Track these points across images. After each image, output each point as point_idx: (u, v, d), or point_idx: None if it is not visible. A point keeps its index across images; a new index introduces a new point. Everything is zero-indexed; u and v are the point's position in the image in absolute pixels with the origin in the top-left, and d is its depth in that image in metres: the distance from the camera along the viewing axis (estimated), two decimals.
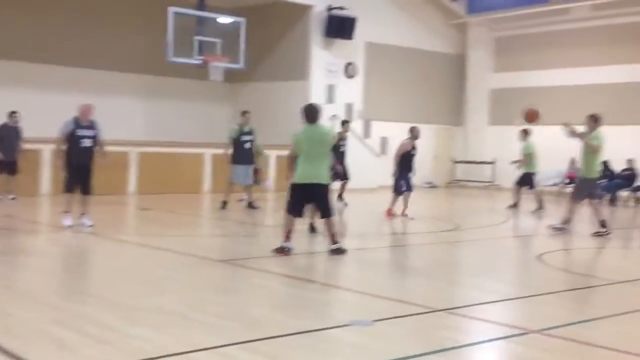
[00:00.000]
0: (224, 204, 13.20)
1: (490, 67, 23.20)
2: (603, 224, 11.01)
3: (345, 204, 14.67)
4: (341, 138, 14.70)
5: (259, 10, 19.67)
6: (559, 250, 9.94)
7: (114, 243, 9.32)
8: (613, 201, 17.62)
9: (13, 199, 13.84)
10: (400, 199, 12.80)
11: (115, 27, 18.61)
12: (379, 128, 21.30)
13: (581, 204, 11.35)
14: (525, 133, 15.39)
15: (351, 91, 20.51)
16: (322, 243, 10.17)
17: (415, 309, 5.80)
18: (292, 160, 8.39)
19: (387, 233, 11.78)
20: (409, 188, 12.79)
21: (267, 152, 15.96)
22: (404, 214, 12.69)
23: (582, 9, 20.60)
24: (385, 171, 20.59)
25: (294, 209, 8.29)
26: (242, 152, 13.38)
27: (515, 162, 15.69)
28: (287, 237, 8.25)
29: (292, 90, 19.90)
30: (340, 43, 19.96)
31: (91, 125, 10.15)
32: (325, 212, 8.35)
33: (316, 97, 19.68)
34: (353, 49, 20.35)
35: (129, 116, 18.92)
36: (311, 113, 8.31)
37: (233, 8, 19.35)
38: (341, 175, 14.28)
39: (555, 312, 6.03)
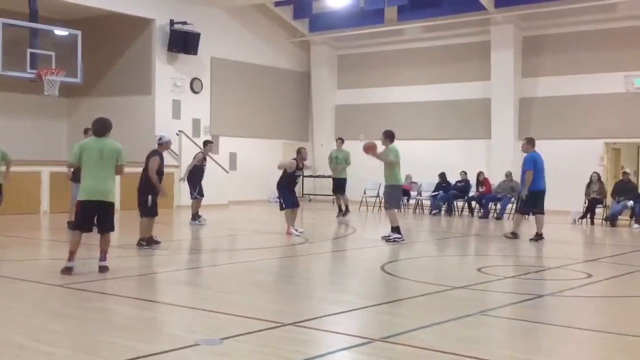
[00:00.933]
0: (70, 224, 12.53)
1: (333, 84, 23.91)
2: (398, 230, 11.89)
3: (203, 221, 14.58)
4: (204, 158, 14.64)
5: (97, 22, 18.99)
6: (399, 260, 10.39)
7: None
8: (449, 211, 18.72)
9: None
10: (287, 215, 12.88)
11: None
12: (228, 144, 21.23)
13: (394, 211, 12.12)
14: (342, 142, 17.52)
15: (198, 107, 20.32)
16: (160, 263, 9.94)
17: (264, 324, 5.79)
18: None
19: (239, 249, 11.75)
20: (296, 204, 12.96)
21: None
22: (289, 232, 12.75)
23: (415, 30, 21.80)
24: (235, 187, 20.69)
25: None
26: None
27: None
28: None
29: (136, 106, 19.37)
30: (185, 58, 19.72)
31: None
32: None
33: (162, 112, 19.34)
34: (198, 64, 20.19)
35: None
36: (99, 126, 8.22)
37: (69, 20, 18.55)
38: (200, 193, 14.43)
39: (398, 319, 6.27)
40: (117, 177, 8.39)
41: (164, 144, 11.05)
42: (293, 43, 23.49)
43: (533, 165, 12.41)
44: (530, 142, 12.67)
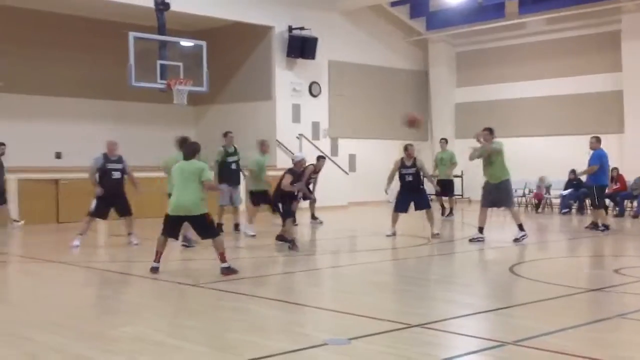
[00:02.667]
0: (219, 227, 13.07)
1: (452, 82, 23.52)
2: (521, 227, 11.48)
3: (320, 222, 14.78)
4: (315, 171, 14.95)
5: (220, 32, 19.69)
6: (530, 261, 10.04)
7: (86, 271, 9.16)
8: (581, 210, 17.88)
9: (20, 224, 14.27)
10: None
11: (75, 54, 18.49)
12: (347, 146, 21.40)
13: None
14: (446, 142, 17.36)
15: (316, 110, 20.61)
16: (292, 263, 10.15)
17: (391, 325, 5.79)
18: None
19: (359, 250, 11.81)
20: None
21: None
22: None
23: (538, 22, 21.03)
24: (354, 188, 20.83)
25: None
26: (228, 173, 13.22)
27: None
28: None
29: (257, 111, 19.94)
30: (303, 63, 20.06)
31: (119, 160, 11.45)
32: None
33: (282, 116, 19.78)
34: (316, 68, 20.47)
35: (96, 142, 18.66)
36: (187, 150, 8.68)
37: (194, 31, 19.34)
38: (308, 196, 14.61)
39: (528, 323, 6.07)
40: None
41: (296, 163, 11.29)
42: (410, 42, 23.32)
43: None
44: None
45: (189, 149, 8.68)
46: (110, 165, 11.35)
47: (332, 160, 20.51)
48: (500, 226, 14.83)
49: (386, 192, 12.73)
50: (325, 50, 20.26)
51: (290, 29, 19.68)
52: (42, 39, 18.01)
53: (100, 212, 11.42)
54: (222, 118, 20.54)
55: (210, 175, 8.81)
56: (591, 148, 13.41)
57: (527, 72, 21.48)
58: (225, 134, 13.73)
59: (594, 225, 13.41)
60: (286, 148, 19.62)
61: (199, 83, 16.10)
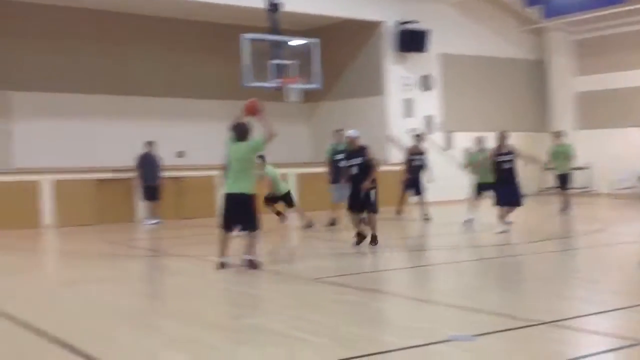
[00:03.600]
0: (332, 222, 13.29)
1: (572, 70, 22.54)
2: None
3: (427, 218, 14.61)
4: (413, 152, 14.57)
5: (331, 29, 19.83)
6: None
7: (207, 265, 9.52)
8: None
9: (156, 223, 14.91)
10: None
11: (193, 56, 19.21)
12: (462, 139, 20.99)
13: None
14: (559, 135, 16.18)
15: (429, 104, 20.36)
16: (411, 258, 10.10)
17: (517, 323, 5.63)
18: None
19: (479, 245, 11.56)
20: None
21: None
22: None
23: None
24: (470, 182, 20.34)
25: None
26: (336, 171, 13.28)
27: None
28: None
29: (368, 106, 19.95)
30: (414, 56, 19.87)
31: None
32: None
33: (394, 111, 19.68)
34: (428, 61, 20.22)
35: (212, 141, 19.35)
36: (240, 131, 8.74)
37: (305, 30, 19.60)
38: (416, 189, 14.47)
39: None
40: None
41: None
42: (524, 31, 22.55)
43: None
44: None
45: (240, 130, 8.85)
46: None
47: (447, 154, 20.20)
48: (628, 220, 14.09)
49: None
50: (436, 42, 19.95)
51: (401, 23, 19.54)
52: (163, 43, 18.84)
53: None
54: (334, 114, 20.70)
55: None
56: None
57: None
58: (336, 132, 13.78)
59: None
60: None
61: (311, 80, 16.33)
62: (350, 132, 10.40)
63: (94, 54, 17.85)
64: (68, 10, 17.34)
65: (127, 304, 7.09)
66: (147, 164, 15.29)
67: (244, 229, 8.75)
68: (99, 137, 17.62)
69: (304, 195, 16.78)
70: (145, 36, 18.61)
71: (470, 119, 21.26)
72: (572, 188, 16.33)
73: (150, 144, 15.49)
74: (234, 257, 8.78)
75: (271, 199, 13.29)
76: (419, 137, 15.53)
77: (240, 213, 8.52)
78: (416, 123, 19.95)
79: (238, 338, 5.38)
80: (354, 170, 10.11)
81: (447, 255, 10.56)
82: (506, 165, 11.82)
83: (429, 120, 20.35)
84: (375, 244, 10.21)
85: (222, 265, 8.54)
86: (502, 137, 12.04)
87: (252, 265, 8.49)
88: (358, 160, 10.11)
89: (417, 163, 14.85)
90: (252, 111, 9.48)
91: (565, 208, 15.77)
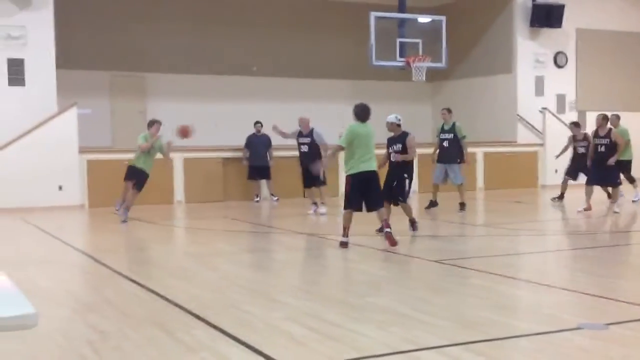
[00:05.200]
0: (431, 204, 13.10)
1: None
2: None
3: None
4: (575, 139, 14.12)
5: (459, 6, 19.36)
6: None
7: (330, 243, 9.66)
8: None
9: (277, 200, 15.57)
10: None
11: (319, 36, 19.39)
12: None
13: None
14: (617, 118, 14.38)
15: (562, 82, 19.46)
16: (537, 243, 9.74)
17: None
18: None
19: (608, 231, 10.98)
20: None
21: (472, 149, 15.58)
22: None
23: None
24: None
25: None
26: (441, 151, 13.15)
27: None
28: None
29: (496, 85, 19.35)
30: (547, 32, 19.01)
31: (308, 134, 12.76)
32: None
33: (523, 89, 18.98)
34: (562, 37, 19.28)
35: (338, 121, 19.51)
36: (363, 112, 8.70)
37: (433, 7, 19.24)
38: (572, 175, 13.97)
39: None
40: None
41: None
42: None
43: None
44: None
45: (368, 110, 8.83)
46: (300, 139, 12.78)
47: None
48: None
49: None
50: (572, 17, 18.98)
51: None
52: (288, 24, 19.13)
53: (307, 181, 12.82)
54: (459, 93, 20.27)
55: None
56: None
57: None
58: (445, 111, 13.43)
59: None
60: (528, 123, 18.82)
61: (437, 59, 16.04)
62: (390, 118, 9.98)
63: (222, 36, 18.45)
64: None
65: (251, 278, 7.33)
66: (255, 145, 15.63)
67: (376, 206, 8.76)
68: (225, 116, 18.25)
69: (425, 176, 16.59)
70: (272, 16, 18.98)
71: (607, 98, 20.09)
72: None
73: (256, 124, 15.81)
74: (353, 237, 8.83)
75: None
76: (575, 124, 14.76)
77: (372, 190, 8.63)
78: (547, 102, 19.16)
79: (360, 316, 5.42)
80: (393, 157, 9.80)
81: (579, 240, 10.10)
82: (601, 148, 12.15)
83: (561, 99, 19.45)
84: (414, 229, 9.91)
85: (345, 245, 8.62)
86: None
87: (392, 240, 8.51)
88: (398, 147, 9.78)
89: (582, 150, 14.17)
90: (185, 134, 11.71)
91: None
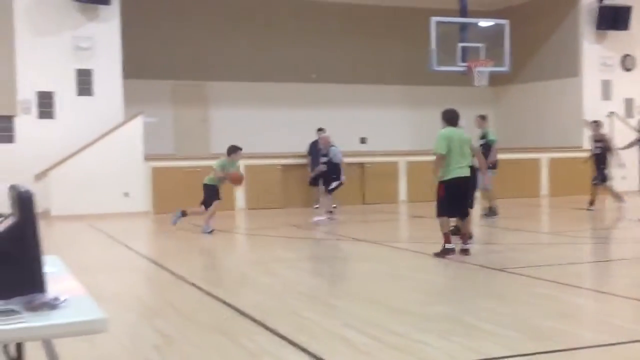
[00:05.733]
0: (491, 211, 12.84)
1: None
2: None
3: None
4: (595, 139, 13.72)
5: (523, 9, 19.03)
6: None
7: (391, 250, 9.60)
8: None
9: (334, 207, 15.04)
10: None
11: (376, 42, 19.36)
12: None
13: None
14: None
15: (630, 85, 18.87)
16: (598, 251, 9.45)
17: None
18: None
19: None
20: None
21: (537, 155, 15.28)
22: None
23: None
24: None
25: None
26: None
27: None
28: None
29: (561, 89, 18.92)
30: (614, 35, 18.49)
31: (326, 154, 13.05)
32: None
33: (590, 93, 18.50)
34: (630, 39, 18.72)
35: (396, 127, 19.46)
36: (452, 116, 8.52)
37: (495, 10, 18.96)
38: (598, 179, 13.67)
39: None
40: None
41: None
42: None
43: None
44: None
45: (456, 115, 8.63)
46: (321, 159, 13.26)
47: None
48: None
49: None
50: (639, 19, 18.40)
51: None
52: (348, 29, 19.18)
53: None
54: (523, 98, 19.91)
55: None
56: None
57: None
58: (481, 118, 13.12)
59: None
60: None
61: (500, 63, 15.79)
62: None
63: (281, 43, 18.62)
64: (254, 1, 18.20)
65: (312, 285, 7.36)
66: (317, 151, 15.55)
67: (465, 214, 8.62)
68: (285, 123, 18.43)
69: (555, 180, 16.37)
70: (331, 23, 19.05)
71: None
72: None
73: (320, 131, 15.75)
74: (411, 244, 8.75)
75: None
76: (596, 123, 14.41)
77: (467, 197, 8.63)
78: (615, 106, 18.61)
79: (423, 326, 5.35)
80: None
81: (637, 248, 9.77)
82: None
83: (628, 103, 18.87)
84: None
85: (451, 252, 8.41)
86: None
87: (467, 253, 8.37)
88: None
89: (597, 151, 13.81)
90: (237, 181, 11.82)
91: None
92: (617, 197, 14.02)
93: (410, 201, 16.46)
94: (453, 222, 8.90)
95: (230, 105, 18.35)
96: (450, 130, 8.45)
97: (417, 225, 12.38)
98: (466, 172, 8.40)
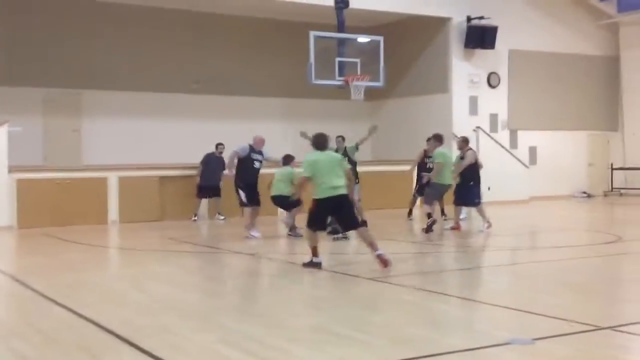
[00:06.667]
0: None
1: None
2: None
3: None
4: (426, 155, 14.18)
5: (397, 26, 19.70)
6: None
7: (269, 262, 9.60)
8: None
9: (223, 219, 15.43)
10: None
11: (258, 54, 19.41)
12: (527, 138, 20.56)
13: None
14: None
15: (495, 101, 19.98)
16: (470, 259, 9.92)
17: (578, 327, 5.45)
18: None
19: (541, 247, 11.28)
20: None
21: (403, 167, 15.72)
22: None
23: None
24: (536, 182, 19.95)
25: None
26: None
27: None
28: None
29: (433, 104, 19.73)
30: (481, 53, 19.53)
31: (260, 152, 12.42)
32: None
33: (459, 109, 19.40)
34: (495, 58, 19.84)
35: (276, 139, 19.50)
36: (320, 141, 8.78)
37: (371, 27, 19.51)
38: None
39: None
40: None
41: None
42: (599, 27, 21.82)
43: None
44: None
45: (324, 140, 8.86)
46: (254, 156, 12.22)
47: (511, 153, 19.79)
48: None
49: None
50: (505, 39, 19.55)
51: (469, 19, 19.22)
52: (229, 41, 19.10)
53: (253, 200, 12.20)
54: (397, 112, 20.59)
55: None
56: None
57: None
58: (434, 138, 13.41)
59: None
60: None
61: (375, 78, 16.21)
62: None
63: (159, 52, 18.27)
64: (135, 9, 17.82)
65: (186, 300, 7.20)
66: (212, 164, 15.57)
67: (352, 228, 8.85)
68: (164, 135, 18.07)
69: (365, 194, 16.71)
70: (213, 34, 18.91)
71: (537, 118, 20.80)
72: None
73: (218, 146, 15.78)
74: (292, 257, 8.80)
75: None
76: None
77: (344, 214, 8.71)
78: (481, 121, 19.64)
79: (296, 337, 5.38)
80: None
81: (511, 256, 10.33)
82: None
83: (493, 118, 19.98)
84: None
85: (316, 265, 8.57)
86: (461, 142, 12.98)
87: (385, 261, 8.38)
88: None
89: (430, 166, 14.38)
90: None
91: None
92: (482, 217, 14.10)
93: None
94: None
95: (106, 115, 17.72)
96: (316, 154, 8.74)
97: (295, 237, 12.45)
98: (339, 192, 8.53)
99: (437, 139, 12.96)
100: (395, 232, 12.66)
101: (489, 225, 12.19)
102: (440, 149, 12.63)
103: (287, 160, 12.35)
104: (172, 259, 10.25)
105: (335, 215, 8.93)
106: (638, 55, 21.64)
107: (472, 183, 12.50)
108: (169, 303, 6.89)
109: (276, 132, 19.79)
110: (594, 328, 5.42)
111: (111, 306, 6.77)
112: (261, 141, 12.56)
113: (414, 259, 9.99)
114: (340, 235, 10.94)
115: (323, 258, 8.62)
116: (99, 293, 7.59)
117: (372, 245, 8.44)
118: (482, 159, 15.28)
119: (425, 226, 11.94)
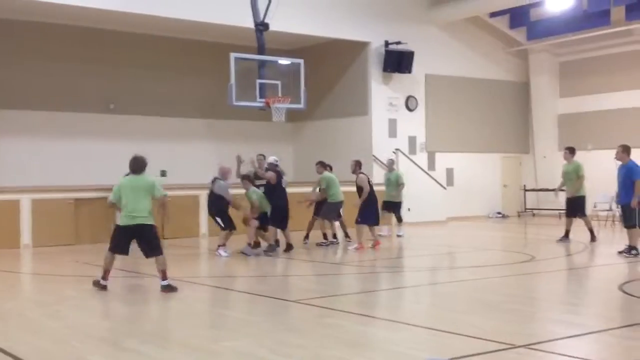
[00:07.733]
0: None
1: (555, 92, 22.82)
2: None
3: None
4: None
5: (317, 49, 19.95)
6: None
7: (189, 286, 9.44)
8: None
9: None
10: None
11: (178, 75, 19.23)
12: (445, 160, 21.14)
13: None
14: (571, 153, 14.16)
15: (413, 124, 20.47)
16: (389, 280, 10.07)
17: (494, 346, 5.62)
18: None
19: (457, 267, 11.57)
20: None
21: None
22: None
23: None
24: (453, 203, 20.51)
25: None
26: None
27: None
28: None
29: (353, 126, 20.03)
30: (399, 77, 20.01)
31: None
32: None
33: (378, 131, 19.77)
34: (413, 82, 20.36)
35: (198, 160, 19.31)
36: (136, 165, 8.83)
37: (292, 50, 19.70)
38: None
39: None
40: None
41: None
42: (510, 53, 22.80)
43: None
44: (626, 151, 11.68)
45: (140, 163, 8.86)
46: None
47: (430, 175, 20.29)
48: (608, 242, 14.17)
49: None
50: (422, 63, 20.12)
51: (387, 43, 19.68)
52: (147, 61, 18.84)
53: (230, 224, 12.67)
54: (318, 134, 20.78)
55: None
56: (618, 159, 11.82)
57: (634, 80, 20.55)
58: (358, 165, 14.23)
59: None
60: (382, 163, 19.56)
61: (296, 100, 16.33)
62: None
63: (74, 72, 17.82)
64: (49, 27, 17.33)
65: (102, 327, 7.00)
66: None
67: (148, 256, 8.88)
68: (78, 156, 17.60)
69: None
70: (132, 54, 18.61)
71: (454, 140, 21.45)
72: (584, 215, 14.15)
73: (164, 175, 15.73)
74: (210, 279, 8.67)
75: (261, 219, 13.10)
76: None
77: (143, 243, 8.74)
78: (399, 144, 20.06)
79: None
80: None
81: (428, 276, 10.56)
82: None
83: (412, 140, 20.46)
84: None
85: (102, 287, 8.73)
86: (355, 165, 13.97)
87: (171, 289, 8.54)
88: None
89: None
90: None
91: (564, 237, 13.94)
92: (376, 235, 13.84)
93: (211, 235, 16.34)
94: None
95: (19, 135, 17.09)
96: (125, 179, 8.77)
97: (217, 260, 12.31)
98: (137, 222, 8.50)
99: (321, 165, 14.14)
100: (314, 252, 12.72)
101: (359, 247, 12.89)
102: (325, 174, 13.88)
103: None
104: (85, 284, 9.89)
105: (138, 241, 8.83)
106: (546, 81, 22.70)
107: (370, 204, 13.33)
108: (83, 330, 6.67)
109: (199, 153, 19.64)
110: (509, 346, 5.59)
111: (22, 334, 6.50)
112: (228, 171, 13.16)
113: (333, 280, 10.06)
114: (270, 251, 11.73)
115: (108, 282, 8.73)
116: (10, 321, 7.27)
117: (162, 273, 8.58)
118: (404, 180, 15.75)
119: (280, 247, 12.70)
